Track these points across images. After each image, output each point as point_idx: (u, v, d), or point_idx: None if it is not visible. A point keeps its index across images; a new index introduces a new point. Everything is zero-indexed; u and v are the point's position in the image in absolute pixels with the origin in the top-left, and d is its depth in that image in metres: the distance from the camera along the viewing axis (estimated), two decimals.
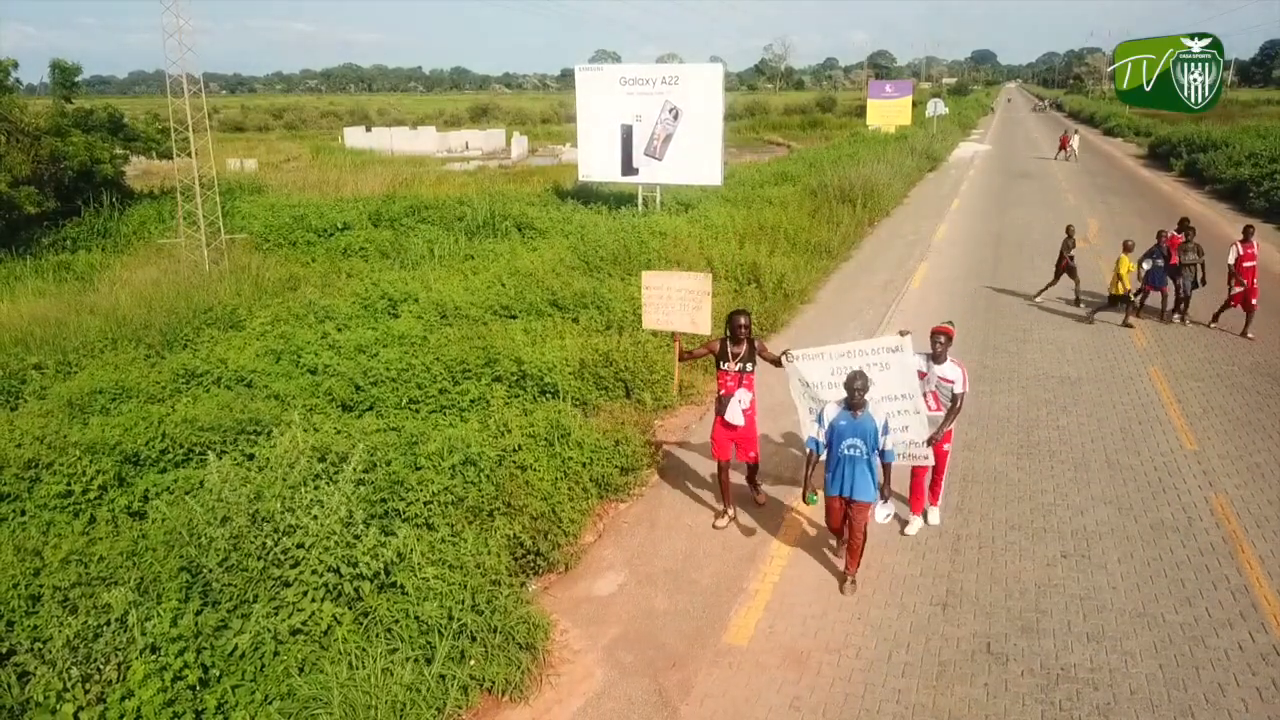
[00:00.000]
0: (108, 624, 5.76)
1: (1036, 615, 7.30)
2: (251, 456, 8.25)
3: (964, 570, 7.98)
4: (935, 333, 8.31)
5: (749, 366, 8.53)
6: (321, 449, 8.12)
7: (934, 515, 8.74)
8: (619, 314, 13.51)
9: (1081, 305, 16.75)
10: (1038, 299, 17.26)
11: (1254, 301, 14.54)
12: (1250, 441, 10.54)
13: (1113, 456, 10.23)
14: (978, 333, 15.20)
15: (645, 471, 9.90)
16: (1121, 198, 31.96)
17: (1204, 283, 15.30)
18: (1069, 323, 15.80)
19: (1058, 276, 17.13)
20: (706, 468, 9.84)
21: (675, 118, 23.92)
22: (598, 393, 11.20)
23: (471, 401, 10.31)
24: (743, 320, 8.48)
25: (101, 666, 5.55)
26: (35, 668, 5.49)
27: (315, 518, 6.70)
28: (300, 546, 6.53)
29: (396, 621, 6.41)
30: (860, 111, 66.09)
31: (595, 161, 25.34)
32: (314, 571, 6.46)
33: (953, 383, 8.26)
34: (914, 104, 56.93)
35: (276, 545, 6.53)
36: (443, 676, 6.13)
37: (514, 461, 8.63)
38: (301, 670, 5.97)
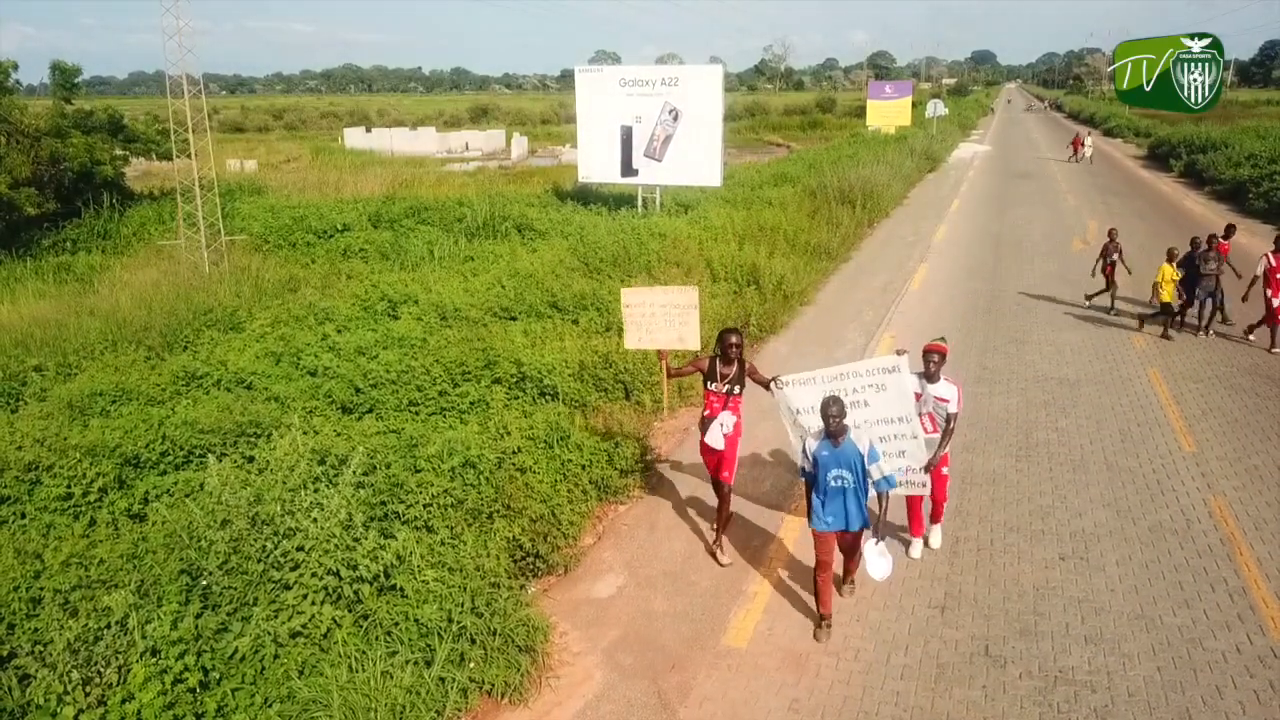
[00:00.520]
0: (108, 627, 5.77)
1: (1035, 618, 7.31)
2: (251, 459, 8.25)
3: (962, 573, 8.00)
4: (928, 351, 7.93)
5: (737, 389, 8.06)
6: (321, 451, 8.13)
7: (935, 536, 8.40)
8: (618, 316, 13.46)
9: (1114, 313, 16.20)
10: (1089, 304, 16.73)
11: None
12: (1249, 444, 10.55)
13: (1111, 459, 10.25)
14: (977, 334, 15.21)
15: (644, 474, 9.92)
16: (1121, 198, 31.99)
17: (1221, 293, 14.73)
18: (1068, 324, 15.81)
19: (1109, 282, 16.45)
20: (705, 471, 9.84)
21: (675, 119, 23.95)
22: (597, 395, 11.22)
23: (471, 404, 10.32)
24: (734, 340, 8.00)
25: (102, 669, 5.57)
26: (36, 670, 5.51)
27: (315, 520, 6.72)
28: (300, 549, 6.54)
29: (396, 624, 6.43)
30: (860, 112, 66.10)
31: (595, 162, 25.37)
32: (314, 574, 6.48)
33: (947, 402, 7.89)
34: (914, 105, 56.91)
35: (276, 548, 6.55)
36: (442, 679, 6.15)
37: (513, 464, 8.65)
38: (301, 673, 5.98)
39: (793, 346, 14.86)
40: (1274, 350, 13.96)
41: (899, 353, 7.69)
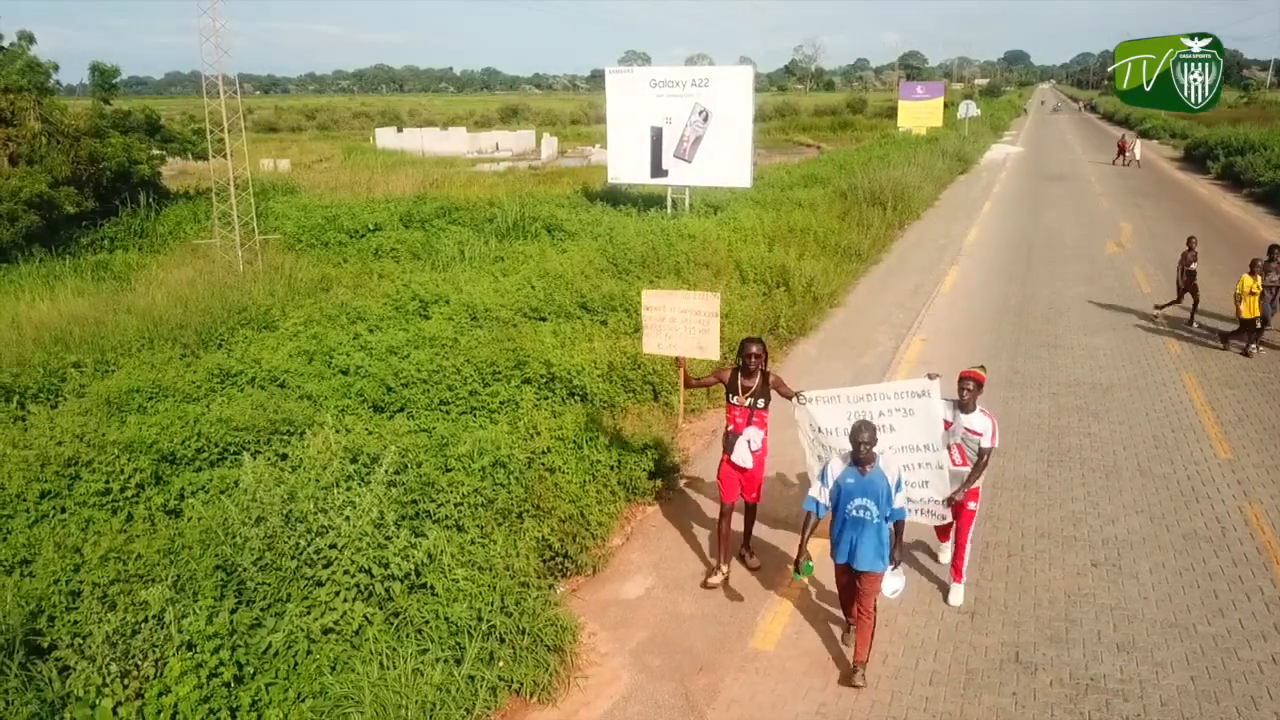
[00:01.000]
0: (145, 621, 5.88)
1: (1066, 624, 7.25)
2: (285, 456, 8.35)
3: (992, 578, 7.94)
4: (964, 378, 7.29)
5: (760, 403, 7.62)
6: (353, 450, 8.22)
7: (956, 595, 7.63)
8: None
9: (1194, 325, 15.39)
10: (1158, 315, 15.91)
11: None
12: None
13: (1145, 464, 10.13)
14: (1009, 338, 15.08)
15: (673, 475, 9.93)
16: (1155, 201, 31.55)
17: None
18: (1102, 329, 15.62)
19: (1181, 294, 15.63)
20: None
21: (705, 120, 23.91)
22: (626, 395, 11.25)
23: (501, 403, 10.38)
24: (754, 349, 7.54)
25: (139, 662, 5.67)
26: (75, 662, 5.62)
27: (347, 518, 6.80)
28: (333, 547, 6.63)
29: (427, 622, 6.50)
30: (891, 113, 65.67)
31: (625, 163, 25.40)
32: (346, 572, 6.56)
33: (981, 435, 7.26)
34: (945, 105, 56.47)
35: (309, 545, 6.64)
36: (472, 677, 6.20)
37: (543, 464, 8.70)
38: (333, 669, 6.06)
39: (821, 349, 14.82)
40: None
41: (931, 376, 7.25)
